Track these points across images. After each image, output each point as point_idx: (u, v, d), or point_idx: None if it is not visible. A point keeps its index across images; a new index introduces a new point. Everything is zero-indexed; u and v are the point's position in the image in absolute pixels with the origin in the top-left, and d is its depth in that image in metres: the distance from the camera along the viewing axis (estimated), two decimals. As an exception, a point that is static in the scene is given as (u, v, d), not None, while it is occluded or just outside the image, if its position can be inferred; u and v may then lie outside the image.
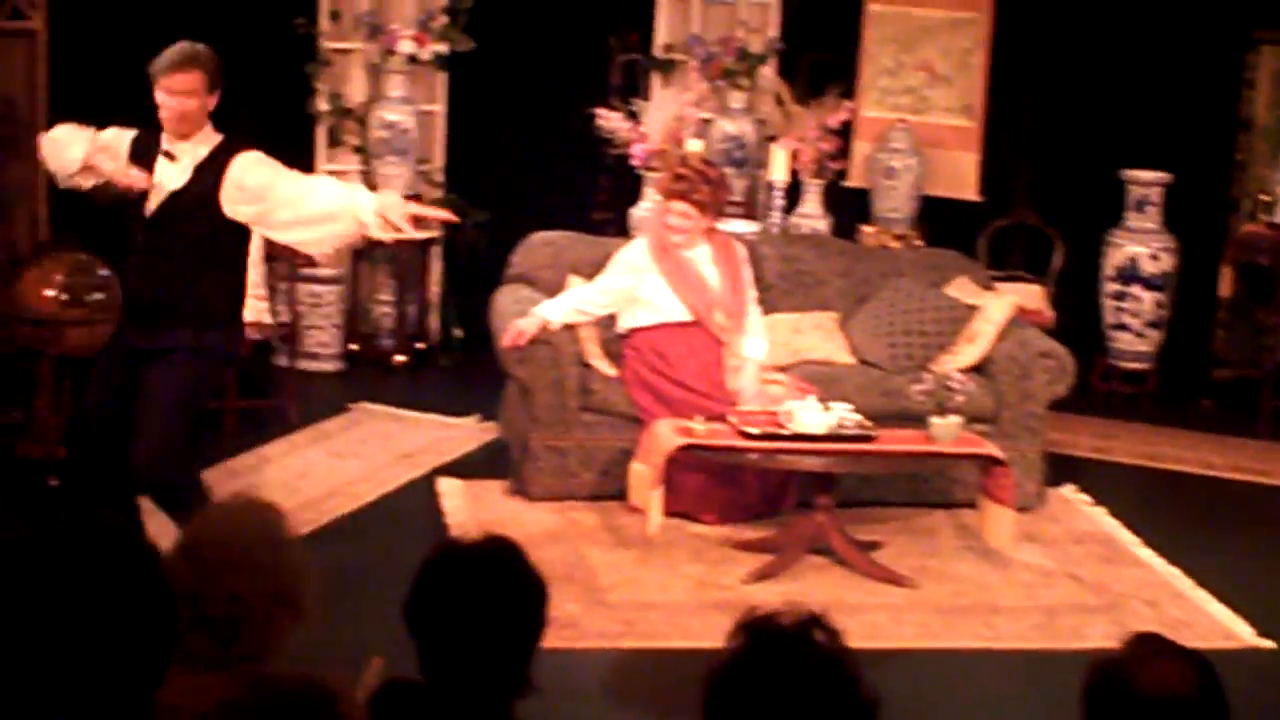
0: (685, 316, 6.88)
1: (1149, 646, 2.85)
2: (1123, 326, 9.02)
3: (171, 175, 5.62)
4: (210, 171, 5.60)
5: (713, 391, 6.73)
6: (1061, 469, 7.58)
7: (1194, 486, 7.79)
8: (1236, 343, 9.15)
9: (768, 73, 9.07)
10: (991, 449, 6.43)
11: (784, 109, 8.81)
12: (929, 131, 9.22)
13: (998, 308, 7.42)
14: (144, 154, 5.63)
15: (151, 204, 5.60)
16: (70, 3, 7.60)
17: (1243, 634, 6.10)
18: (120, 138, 5.69)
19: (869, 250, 8.28)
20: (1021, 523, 6.70)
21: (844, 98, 8.83)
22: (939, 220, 9.08)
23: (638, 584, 6.18)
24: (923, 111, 9.34)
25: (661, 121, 8.52)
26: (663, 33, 9.13)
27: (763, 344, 6.94)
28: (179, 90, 5.55)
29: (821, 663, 2.67)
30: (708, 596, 6.08)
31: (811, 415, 6.31)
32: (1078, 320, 8.92)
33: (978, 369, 7.26)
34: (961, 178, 9.31)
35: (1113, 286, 9.01)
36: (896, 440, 6.41)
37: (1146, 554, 6.76)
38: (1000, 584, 6.39)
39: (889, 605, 6.15)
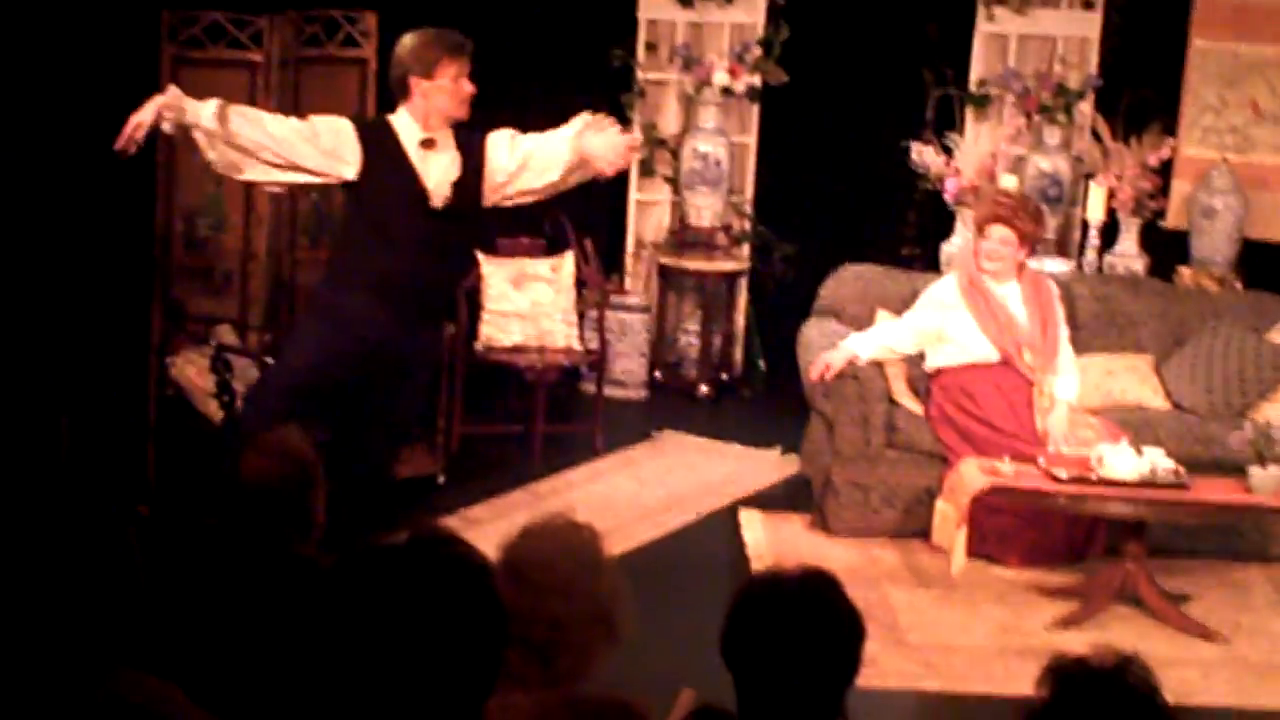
0: (993, 356, 6.80)
1: None
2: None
3: (441, 164, 5.63)
4: (472, 157, 5.62)
5: (1020, 432, 6.63)
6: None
7: None
8: None
9: (1085, 109, 8.91)
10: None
11: (1102, 146, 8.64)
12: (1252, 171, 8.95)
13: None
14: (380, 142, 5.58)
15: (435, 197, 5.61)
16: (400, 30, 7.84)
17: None
18: (321, 129, 5.60)
19: (1186, 292, 8.07)
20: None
21: (1165, 135, 8.63)
22: (1261, 264, 8.79)
23: (938, 625, 6.12)
24: (1246, 151, 9.07)
25: (975, 156, 8.44)
26: (978, 67, 9.05)
27: (1075, 384, 6.82)
28: (469, 73, 5.57)
29: (1136, 705, 2.63)
30: (1010, 641, 5.98)
31: (1123, 460, 6.17)
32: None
33: (1298, 418, 7.01)
34: (1286, 220, 9.02)
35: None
36: (1212, 489, 6.23)
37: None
38: (1316, 644, 6.17)
39: (1199, 660, 5.98)
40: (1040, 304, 6.86)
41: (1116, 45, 9.07)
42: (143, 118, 5.45)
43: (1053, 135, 8.82)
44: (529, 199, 5.91)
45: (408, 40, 5.62)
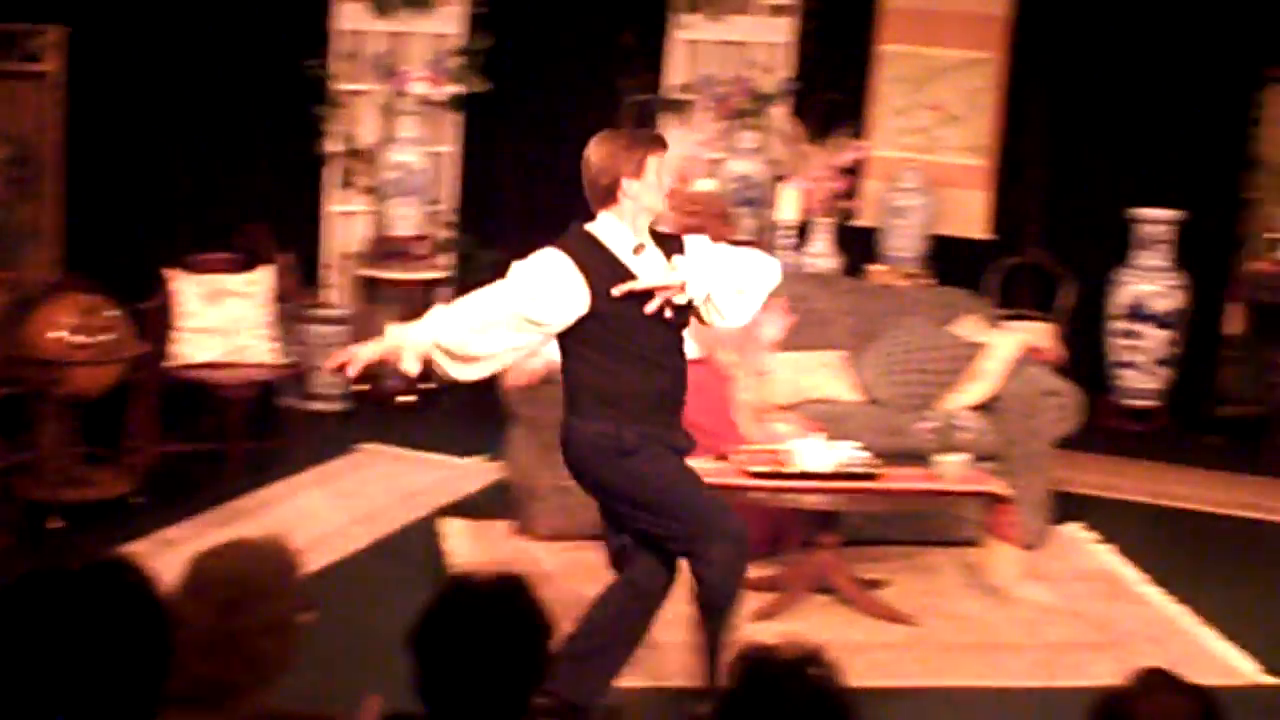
0: (693, 353, 6.88)
1: (1154, 681, 2.85)
2: (1130, 364, 9.03)
3: (654, 265, 5.19)
4: (672, 251, 5.25)
5: (718, 430, 6.72)
6: (1067, 507, 7.57)
7: (1200, 523, 7.78)
8: (1244, 380, 9.15)
9: (779, 112, 9.11)
10: (997, 486, 6.43)
11: (794, 149, 8.84)
12: (939, 171, 9.27)
13: (1005, 346, 7.42)
14: (597, 262, 5.13)
15: (666, 308, 5.18)
16: (87, 45, 7.67)
17: (1246, 671, 6.08)
18: (533, 285, 5.09)
19: (877, 289, 8.30)
20: (1026, 560, 6.70)
21: (855, 137, 8.87)
22: (948, 259, 9.11)
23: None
24: (933, 151, 9.39)
25: (672, 161, 8.54)
26: (674, 73, 9.19)
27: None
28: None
29: (816, 698, 2.69)
30: None
31: (816, 453, 6.31)
32: (1086, 358, 8.94)
33: (984, 407, 7.26)
34: (971, 217, 9.34)
35: (1120, 325, 9.02)
36: (901, 478, 6.40)
37: (1151, 591, 6.75)
38: (1004, 622, 6.38)
39: (893, 644, 6.15)
40: (736, 302, 6.97)
41: (807, 50, 9.30)
42: (365, 356, 5.17)
43: (748, 139, 9.00)
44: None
45: (606, 144, 5.23)
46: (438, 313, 5.23)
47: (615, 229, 5.21)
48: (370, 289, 8.97)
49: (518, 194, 9.39)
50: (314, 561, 6.49)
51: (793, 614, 6.30)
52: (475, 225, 9.15)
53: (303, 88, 8.75)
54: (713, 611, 5.29)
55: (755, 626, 6.13)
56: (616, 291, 5.10)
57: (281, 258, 7.97)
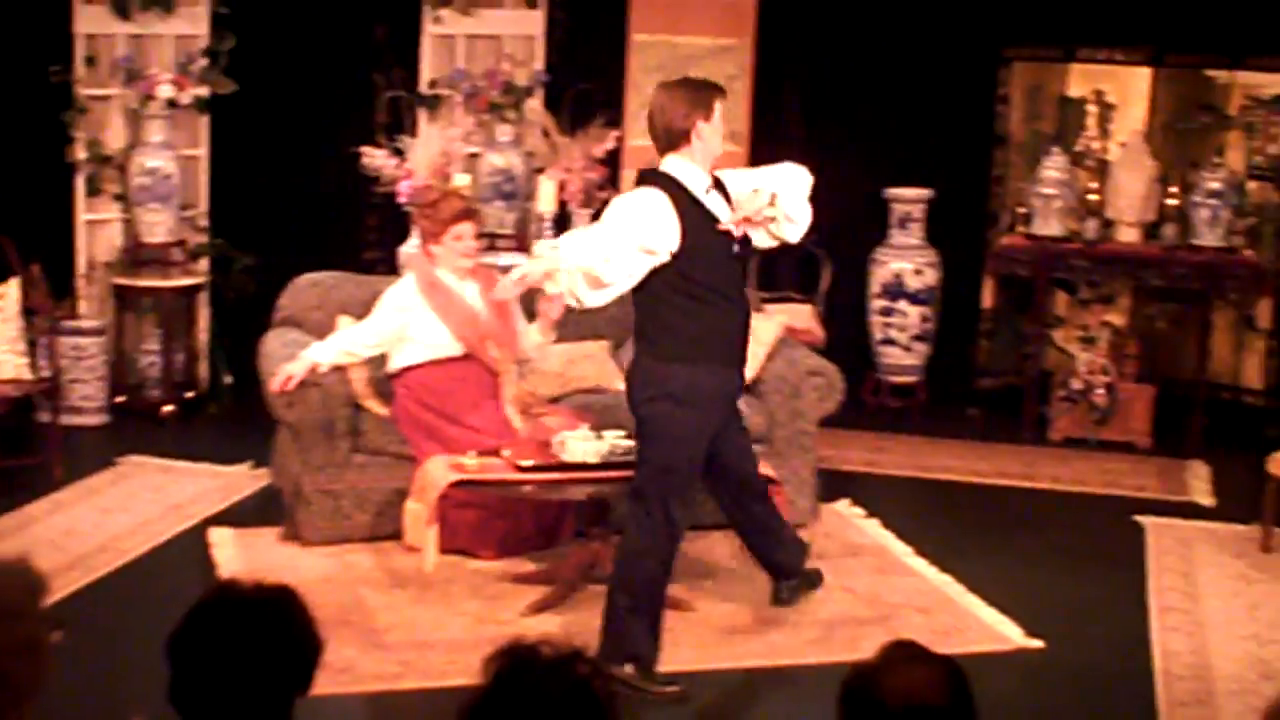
0: (457, 351, 6.85)
1: (901, 653, 2.88)
2: (890, 341, 9.21)
3: (720, 204, 5.56)
4: (722, 189, 5.61)
5: (486, 426, 6.71)
6: (835, 484, 7.71)
7: (963, 494, 7.97)
8: (999, 352, 9.38)
9: (534, 105, 9.09)
10: (764, 467, 6.50)
11: (550, 140, 8.84)
12: (699, 158, 9.31)
13: (766, 328, 7.51)
14: (685, 202, 5.47)
15: (735, 244, 5.56)
16: None
17: (1012, 636, 6.24)
18: (639, 222, 5.42)
19: (639, 277, 8.32)
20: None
21: (610, 127, 8.89)
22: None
23: (415, 624, 6.14)
24: (691, 138, 9.43)
25: (427, 157, 8.50)
26: (428, 68, 9.12)
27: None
28: None
29: (576, 697, 2.68)
30: (486, 632, 6.04)
31: (583, 444, 6.32)
32: (848, 337, 9.10)
33: (748, 389, 7.33)
34: (729, 202, 9.42)
35: (879, 303, 9.19)
36: (668, 465, 6.43)
37: (919, 563, 6.89)
38: (776, 601, 6.46)
39: (668, 629, 6.10)
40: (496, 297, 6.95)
41: (561, 42, 9.30)
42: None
43: (504, 132, 8.97)
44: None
45: (678, 91, 5.56)
46: (554, 245, 5.61)
47: (689, 170, 5.52)
48: (125, 298, 8.76)
49: (272, 195, 9.26)
50: (80, 578, 6.36)
51: (568, 606, 6.31)
52: (230, 229, 8.99)
53: (47, 94, 8.51)
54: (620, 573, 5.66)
55: (531, 620, 6.14)
56: (729, 222, 5.47)
57: (29, 270, 7.74)
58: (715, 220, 5.52)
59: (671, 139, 5.54)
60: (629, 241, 5.43)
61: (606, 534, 6.44)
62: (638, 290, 5.54)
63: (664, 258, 5.47)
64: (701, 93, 5.55)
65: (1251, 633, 6.36)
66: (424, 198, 7.00)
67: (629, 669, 5.56)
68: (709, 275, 5.51)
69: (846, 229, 9.49)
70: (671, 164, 5.55)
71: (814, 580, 6.40)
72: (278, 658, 2.93)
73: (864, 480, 7.99)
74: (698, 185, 5.53)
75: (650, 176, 5.54)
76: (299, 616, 2.99)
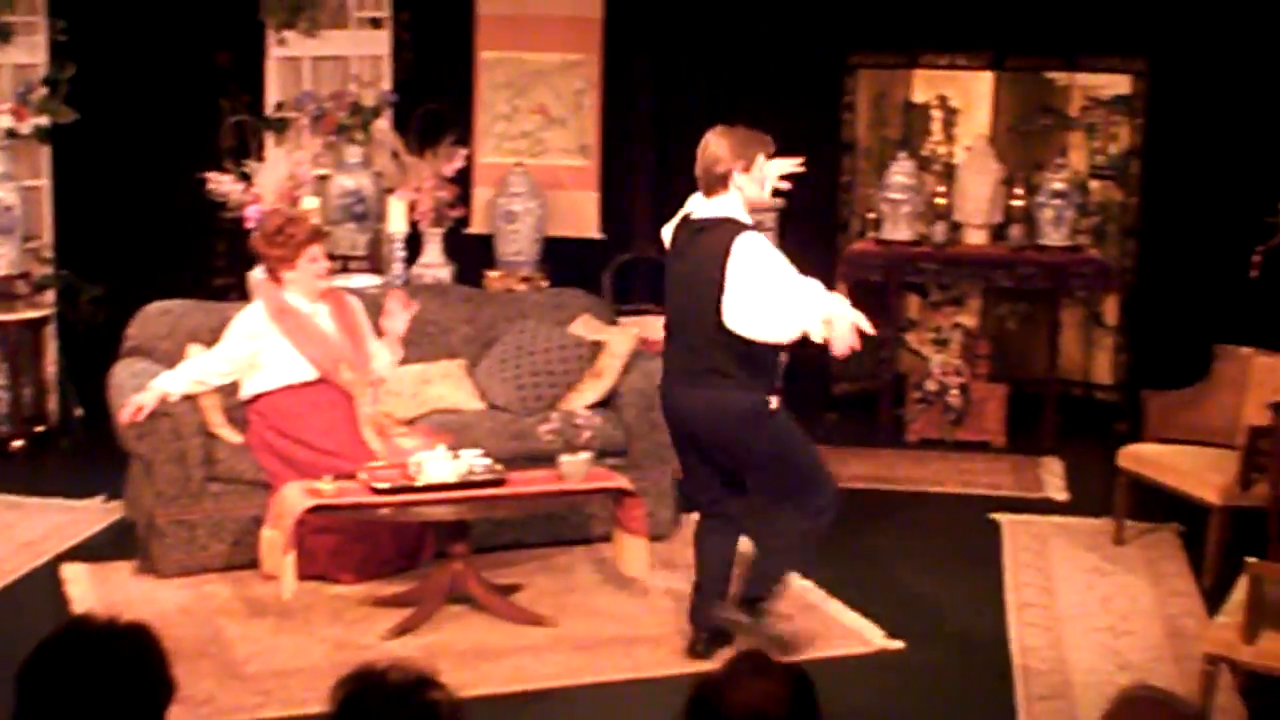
0: (310, 375, 6.79)
1: (746, 665, 2.89)
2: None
3: None
4: None
5: (342, 450, 6.64)
6: (696, 495, 7.71)
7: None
8: (855, 357, 9.40)
9: (382, 125, 9.04)
10: (620, 481, 6.50)
11: (399, 161, 8.80)
12: (548, 173, 9.34)
13: (621, 341, 7.53)
14: None
15: None
16: None
17: (873, 638, 6.30)
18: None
19: (493, 295, 8.31)
20: (657, 551, 6.80)
21: (460, 145, 8.86)
22: (562, 260, 9.19)
23: (275, 652, 6.07)
24: (540, 154, 9.46)
25: (275, 181, 8.42)
26: (274, 91, 9.04)
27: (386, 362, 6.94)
28: None
29: (419, 718, 2.67)
30: (347, 657, 5.97)
31: (440, 464, 6.29)
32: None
33: (605, 403, 7.36)
34: (582, 217, 9.45)
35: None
36: (527, 482, 6.42)
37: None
38: (639, 613, 6.46)
39: (532, 646, 6.16)
40: (348, 320, 6.91)
41: (408, 61, 9.26)
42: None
43: (353, 154, 8.91)
44: None
45: (725, 139, 5.89)
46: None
47: (742, 214, 5.90)
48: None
49: (119, 224, 9.13)
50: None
51: (430, 627, 6.27)
52: (77, 259, 8.85)
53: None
54: (780, 550, 6.06)
55: (393, 643, 6.10)
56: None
57: None
58: None
59: (709, 182, 5.89)
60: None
61: (467, 553, 6.42)
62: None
63: None
64: (747, 146, 5.86)
65: (1106, 624, 6.47)
66: (270, 224, 6.90)
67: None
68: None
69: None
70: (728, 207, 5.87)
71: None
72: (127, 695, 2.88)
73: (724, 489, 8.00)
74: None
75: (737, 224, 5.83)
76: (151, 654, 2.95)
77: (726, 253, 5.72)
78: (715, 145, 5.88)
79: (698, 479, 6.10)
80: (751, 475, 5.97)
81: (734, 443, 5.88)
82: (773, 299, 5.70)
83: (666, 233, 6.16)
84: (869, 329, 5.73)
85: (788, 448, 5.97)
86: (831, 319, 5.67)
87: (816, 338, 5.67)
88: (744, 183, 5.85)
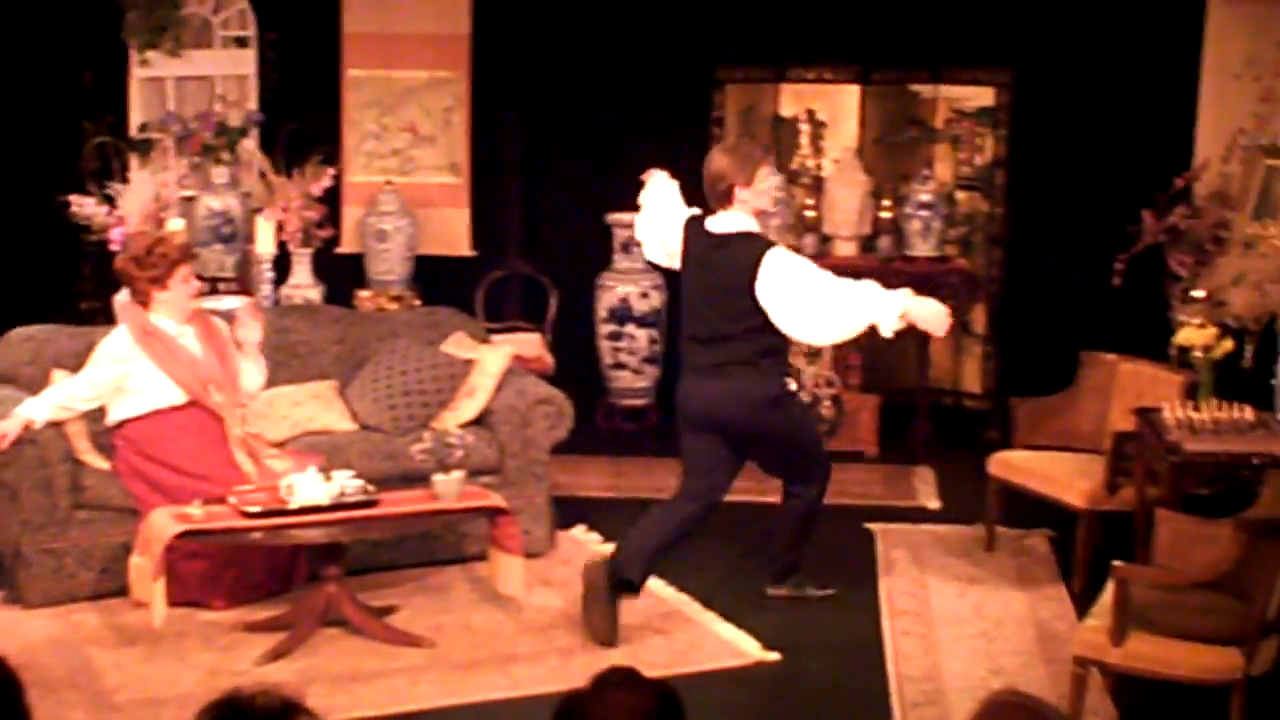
0: (179, 399, 6.71)
1: (612, 679, 2.89)
2: (620, 365, 9.26)
3: None
4: None
5: (212, 473, 6.56)
6: (572, 511, 7.72)
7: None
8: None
9: (249, 145, 8.96)
10: (494, 500, 6.48)
11: (266, 181, 8.72)
12: (418, 191, 9.31)
13: (493, 359, 7.50)
14: None
15: None
16: None
17: (750, 650, 6.32)
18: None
19: (364, 315, 8.27)
20: (533, 568, 6.79)
21: (327, 164, 8.79)
22: (434, 279, 9.16)
23: (146, 681, 5.98)
24: (410, 172, 9.43)
25: (139, 203, 8.32)
26: (138, 112, 8.93)
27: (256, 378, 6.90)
28: None
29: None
30: (220, 683, 5.90)
31: (312, 487, 6.23)
32: (578, 364, 9.14)
33: (478, 422, 7.33)
34: (453, 235, 9.42)
35: (607, 328, 9.24)
36: (400, 502, 6.39)
37: (657, 584, 6.89)
38: (516, 632, 6.44)
39: (408, 668, 6.12)
40: (215, 342, 6.84)
41: (274, 81, 9.18)
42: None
43: (220, 174, 8.82)
44: None
45: (727, 156, 6.39)
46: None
47: (752, 226, 6.42)
48: None
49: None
50: None
51: (304, 651, 6.21)
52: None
53: None
54: (806, 518, 6.78)
55: (267, 668, 6.03)
56: None
57: None
58: None
59: (716, 197, 6.36)
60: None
61: (341, 576, 6.36)
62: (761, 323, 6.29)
63: None
64: (744, 161, 6.31)
65: (979, 630, 6.54)
66: (138, 245, 6.81)
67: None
68: None
69: (571, 256, 9.55)
70: (742, 221, 6.35)
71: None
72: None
73: (601, 505, 8.00)
74: None
75: (758, 238, 6.35)
76: (6, 685, 2.89)
77: (756, 265, 6.22)
78: (718, 162, 6.37)
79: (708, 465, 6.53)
80: (767, 453, 6.62)
81: (757, 425, 6.42)
82: (827, 300, 6.23)
83: (643, 233, 6.80)
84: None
85: (801, 426, 6.68)
86: (908, 309, 6.22)
87: (887, 331, 6.27)
88: (747, 196, 6.33)
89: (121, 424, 6.71)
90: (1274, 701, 5.66)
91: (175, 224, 8.20)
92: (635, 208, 9.18)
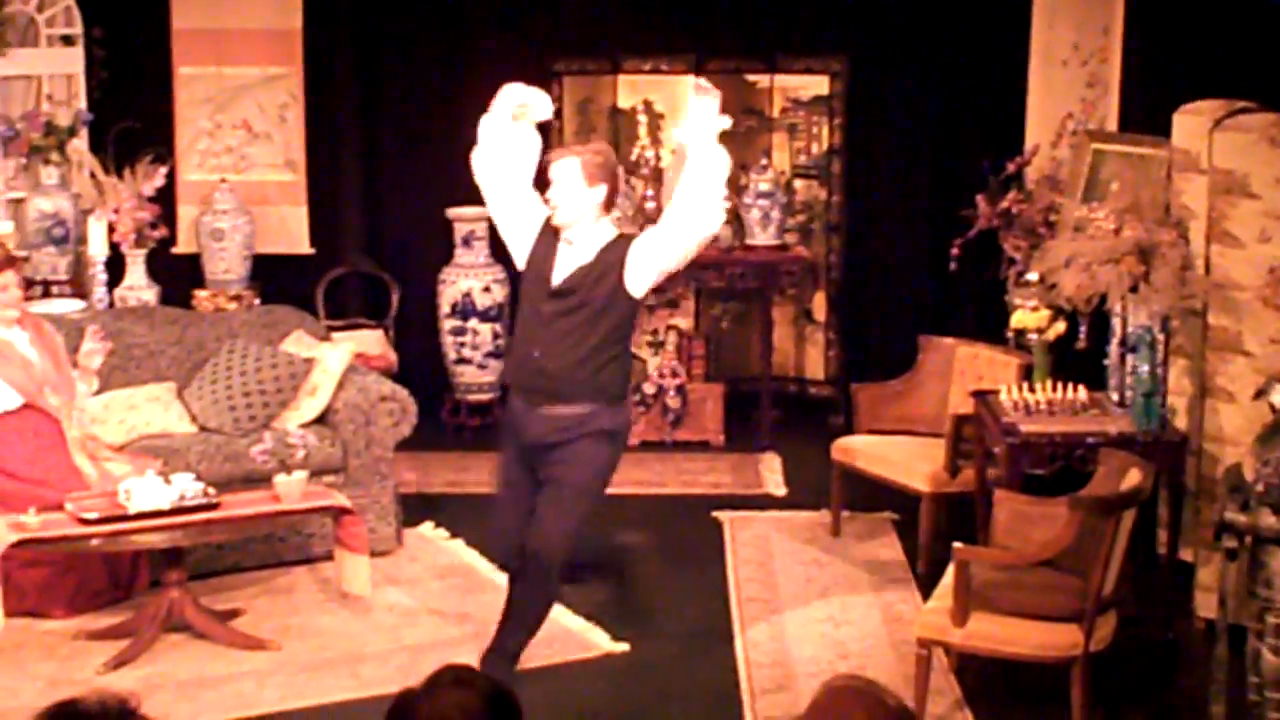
0: (14, 403, 6.56)
1: (444, 678, 2.86)
2: (465, 360, 9.20)
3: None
4: None
5: (49, 477, 6.43)
6: (419, 507, 7.67)
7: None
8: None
9: (79, 145, 8.78)
10: (338, 499, 6.42)
11: (97, 181, 8.56)
12: (254, 189, 9.20)
13: (334, 357, 7.43)
14: None
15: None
16: None
17: (600, 642, 6.33)
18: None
19: (202, 315, 8.15)
20: (380, 566, 6.75)
21: (159, 163, 8.64)
22: (273, 277, 9.05)
23: (-16, 693, 5.86)
24: (245, 170, 9.31)
25: (-38, 207, 8.13)
26: (-37, 113, 8.73)
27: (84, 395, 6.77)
28: None
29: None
30: (61, 694, 5.67)
31: (151, 491, 6.13)
32: (422, 359, 9.09)
33: (322, 420, 7.26)
34: (291, 232, 9.32)
35: (451, 323, 9.18)
36: (242, 504, 6.31)
37: (504, 579, 6.88)
38: (363, 631, 6.39)
39: (254, 671, 6.06)
40: (48, 344, 6.71)
41: (103, 79, 9.01)
42: None
43: (50, 175, 8.64)
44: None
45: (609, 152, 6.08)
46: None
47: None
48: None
49: None
50: None
51: (147, 658, 6.12)
52: None
53: None
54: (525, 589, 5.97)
55: (109, 676, 5.93)
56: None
57: None
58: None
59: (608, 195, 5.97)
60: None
61: (183, 580, 6.27)
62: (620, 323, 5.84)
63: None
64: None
65: (826, 615, 6.60)
66: (-44, 250, 6.66)
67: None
68: None
69: (413, 251, 9.49)
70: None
71: None
72: None
73: (448, 501, 7.96)
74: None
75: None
76: None
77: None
78: (607, 158, 6.03)
79: None
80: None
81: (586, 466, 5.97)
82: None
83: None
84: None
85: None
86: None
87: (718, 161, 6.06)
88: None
89: (-46, 430, 6.56)
90: (1113, 677, 5.79)
91: (4, 226, 8.03)
92: (475, 201, 9.21)
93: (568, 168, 5.79)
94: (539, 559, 5.79)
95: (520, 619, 5.93)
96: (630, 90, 9.56)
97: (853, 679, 2.85)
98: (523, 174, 6.00)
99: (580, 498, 5.81)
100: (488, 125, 6.03)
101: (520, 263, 6.00)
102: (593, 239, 5.82)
